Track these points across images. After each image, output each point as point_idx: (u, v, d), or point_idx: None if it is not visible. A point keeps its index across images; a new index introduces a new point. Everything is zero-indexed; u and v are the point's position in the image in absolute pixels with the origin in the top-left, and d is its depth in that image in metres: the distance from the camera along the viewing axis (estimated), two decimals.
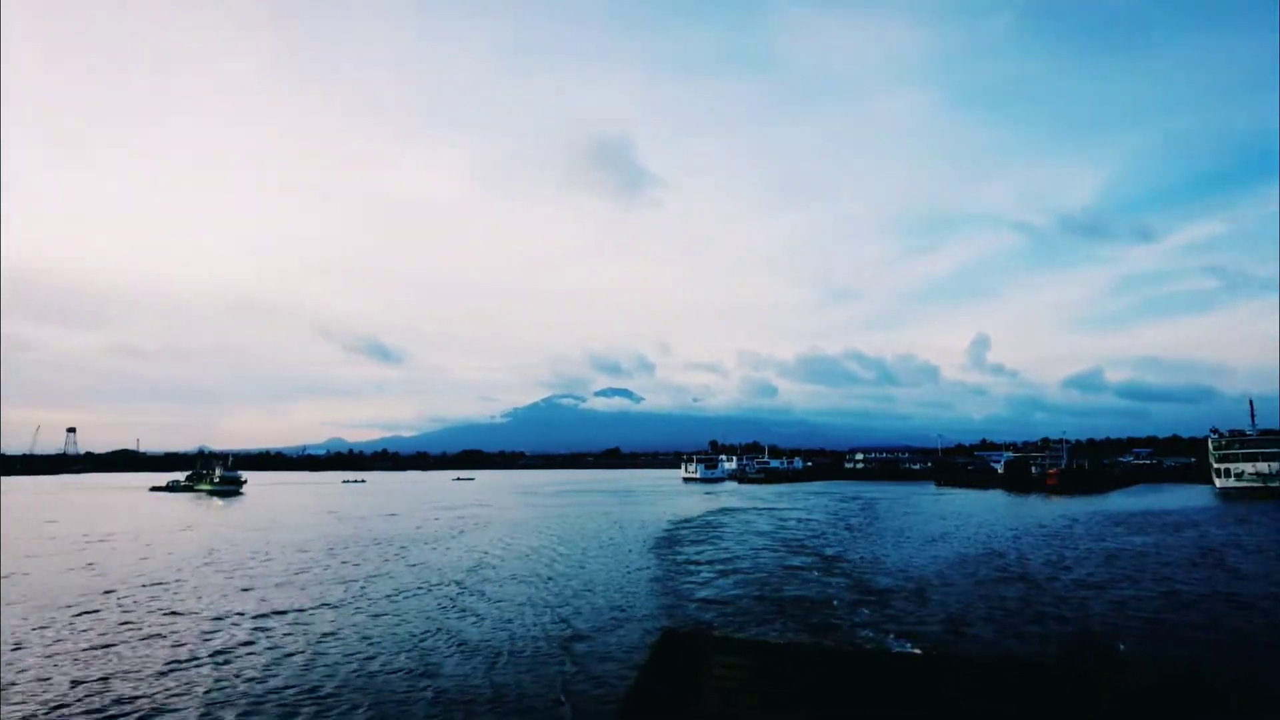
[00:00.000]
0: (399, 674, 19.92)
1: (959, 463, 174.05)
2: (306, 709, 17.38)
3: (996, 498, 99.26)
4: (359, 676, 19.76)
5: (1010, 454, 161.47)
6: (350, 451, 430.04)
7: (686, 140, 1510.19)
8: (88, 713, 17.11)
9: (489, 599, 30.17)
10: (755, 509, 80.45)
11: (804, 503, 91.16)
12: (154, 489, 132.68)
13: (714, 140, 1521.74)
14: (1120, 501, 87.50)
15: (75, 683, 19.29)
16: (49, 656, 21.92)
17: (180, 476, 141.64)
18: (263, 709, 17.37)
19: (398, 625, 25.69)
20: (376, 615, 27.31)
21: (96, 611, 28.29)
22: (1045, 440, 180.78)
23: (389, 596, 30.95)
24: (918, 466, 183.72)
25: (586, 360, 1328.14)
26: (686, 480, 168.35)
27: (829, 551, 44.65)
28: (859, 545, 47.93)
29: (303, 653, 22.09)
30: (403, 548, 48.33)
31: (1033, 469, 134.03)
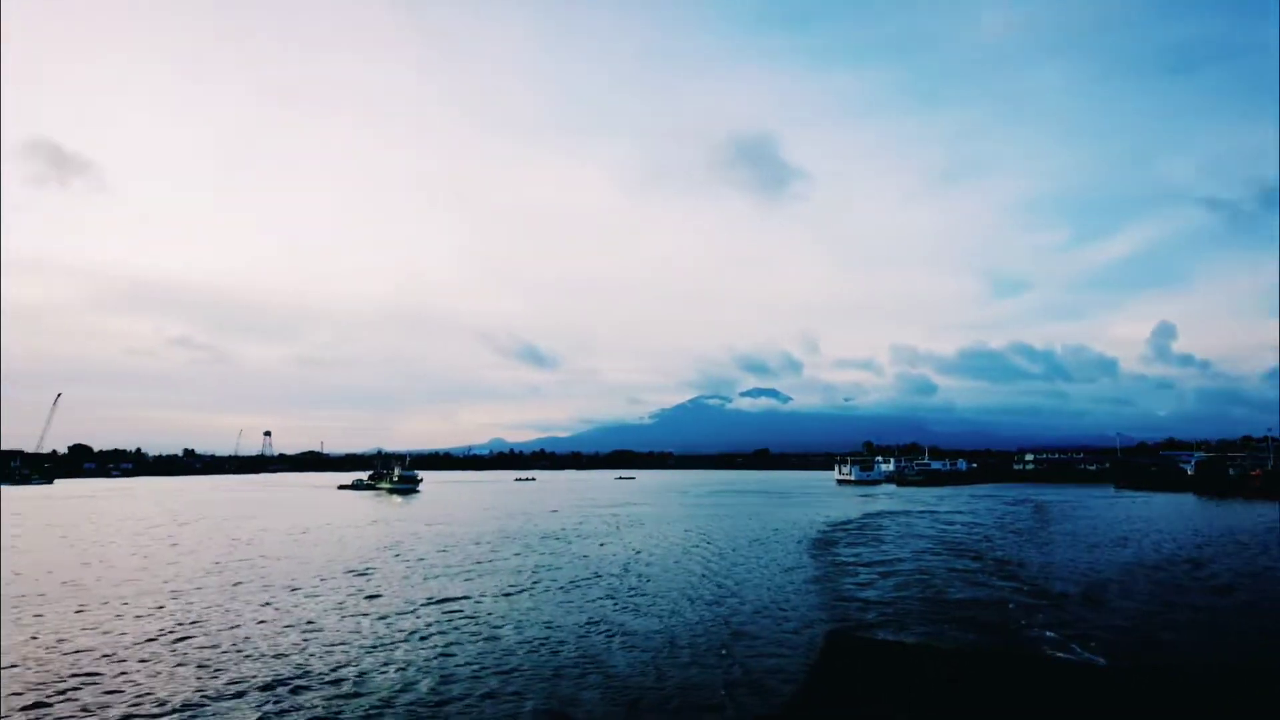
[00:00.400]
0: (569, 660, 21.29)
1: (1141, 463, 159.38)
2: (491, 682, 19.05)
3: (1186, 502, 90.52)
4: (534, 660, 21.31)
5: (1202, 454, 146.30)
6: (511, 451, 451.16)
7: (832, 132, 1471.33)
8: (300, 679, 19.56)
9: (650, 593, 31.30)
10: (915, 512, 77.67)
11: (969, 506, 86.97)
12: (341, 487, 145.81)
13: (861, 131, 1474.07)
14: None
15: (280, 654, 22.04)
16: (275, 634, 25.05)
17: (363, 476, 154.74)
18: (452, 682, 19.18)
19: (567, 614, 27.29)
20: (547, 604, 29.10)
21: (315, 594, 31.88)
22: (1247, 439, 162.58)
23: (560, 587, 32.82)
24: (1094, 468, 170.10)
25: (732, 360, 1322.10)
26: (840, 482, 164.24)
27: (997, 555, 42.71)
28: (1029, 549, 45.49)
29: (484, 636, 24.04)
30: (568, 542, 50.86)
31: (1230, 471, 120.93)
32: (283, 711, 17.12)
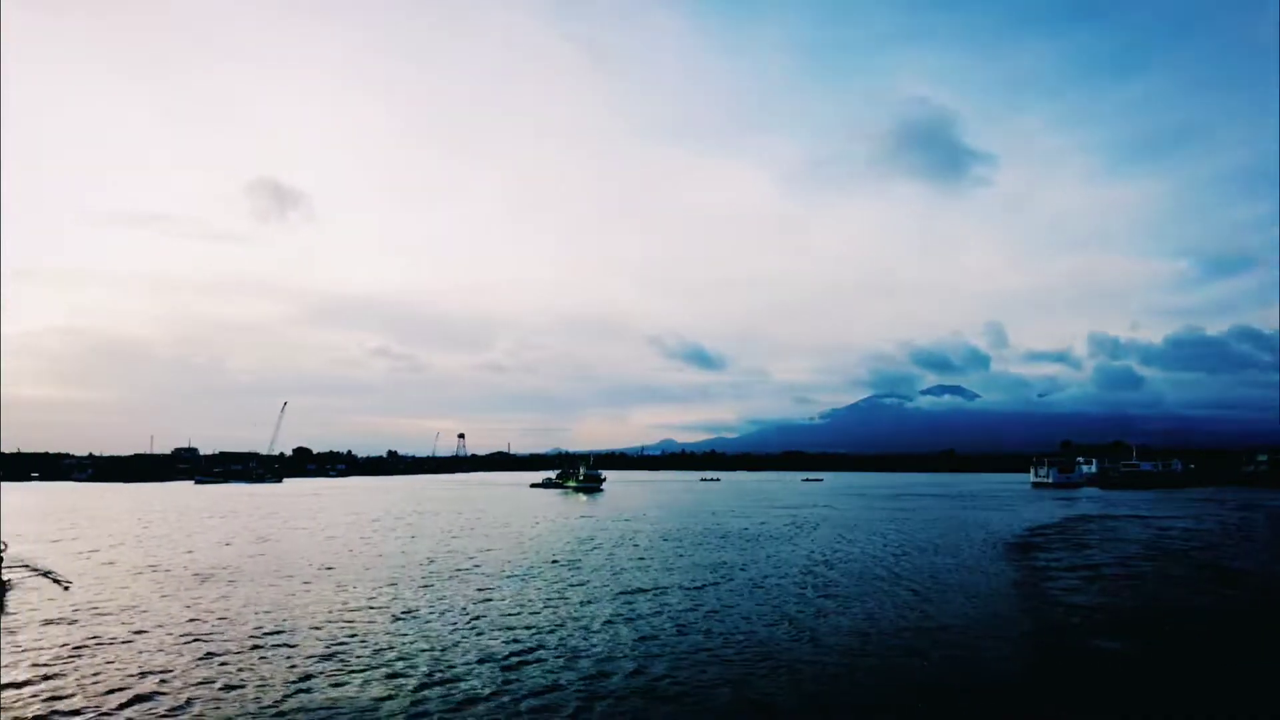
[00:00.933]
0: (764, 651, 22.42)
1: None
2: (685, 668, 20.56)
3: None
4: (726, 652, 22.62)
5: None
6: (682, 452, 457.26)
7: (1014, 110, 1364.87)
8: (523, 654, 22.01)
9: (840, 595, 31.75)
10: (1123, 516, 71.88)
11: (1186, 510, 79.19)
12: (532, 485, 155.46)
13: (1047, 105, 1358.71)
14: None
15: (506, 628, 24.71)
16: (501, 615, 28.04)
17: (551, 475, 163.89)
18: (681, 664, 20.90)
19: (759, 606, 28.48)
20: (739, 600, 30.37)
21: (528, 580, 35.14)
22: None
23: (750, 584, 34.04)
24: None
25: (909, 357, 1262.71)
26: (1036, 485, 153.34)
27: (1227, 564, 39.30)
28: (1264, 557, 41.41)
29: (677, 626, 25.71)
30: (754, 539, 52.22)
31: None
32: (508, 681, 19.54)
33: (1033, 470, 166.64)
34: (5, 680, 19.07)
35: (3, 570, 29.86)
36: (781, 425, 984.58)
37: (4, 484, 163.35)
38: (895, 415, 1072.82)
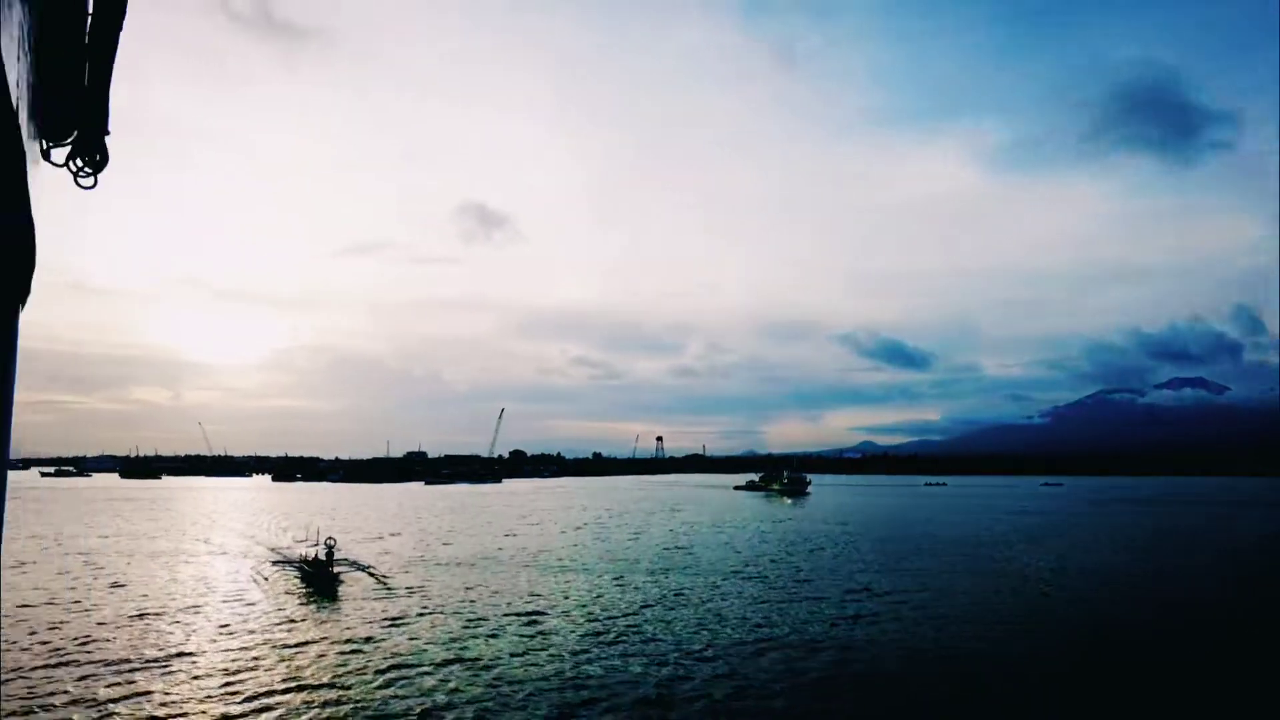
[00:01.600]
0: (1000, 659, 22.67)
1: None
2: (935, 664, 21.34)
3: None
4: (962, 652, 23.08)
5: None
6: (885, 454, 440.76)
7: (1254, 57, 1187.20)
8: (766, 641, 23.72)
9: (1128, 608, 30.81)
10: None
11: None
12: (736, 488, 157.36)
13: None
14: None
15: (748, 619, 26.55)
16: (744, 606, 30.11)
17: (754, 477, 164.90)
18: (914, 665, 21.87)
19: (987, 614, 28.45)
20: (967, 608, 30.42)
21: (756, 579, 37.10)
22: None
23: (970, 597, 33.78)
24: None
25: (1140, 348, 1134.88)
26: None
27: None
28: None
29: (930, 624, 26.38)
30: (976, 546, 50.93)
31: None
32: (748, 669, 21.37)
33: None
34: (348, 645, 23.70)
35: (334, 565, 34.60)
36: (995, 425, 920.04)
37: (278, 483, 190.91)
38: (1127, 412, 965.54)
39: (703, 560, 43.31)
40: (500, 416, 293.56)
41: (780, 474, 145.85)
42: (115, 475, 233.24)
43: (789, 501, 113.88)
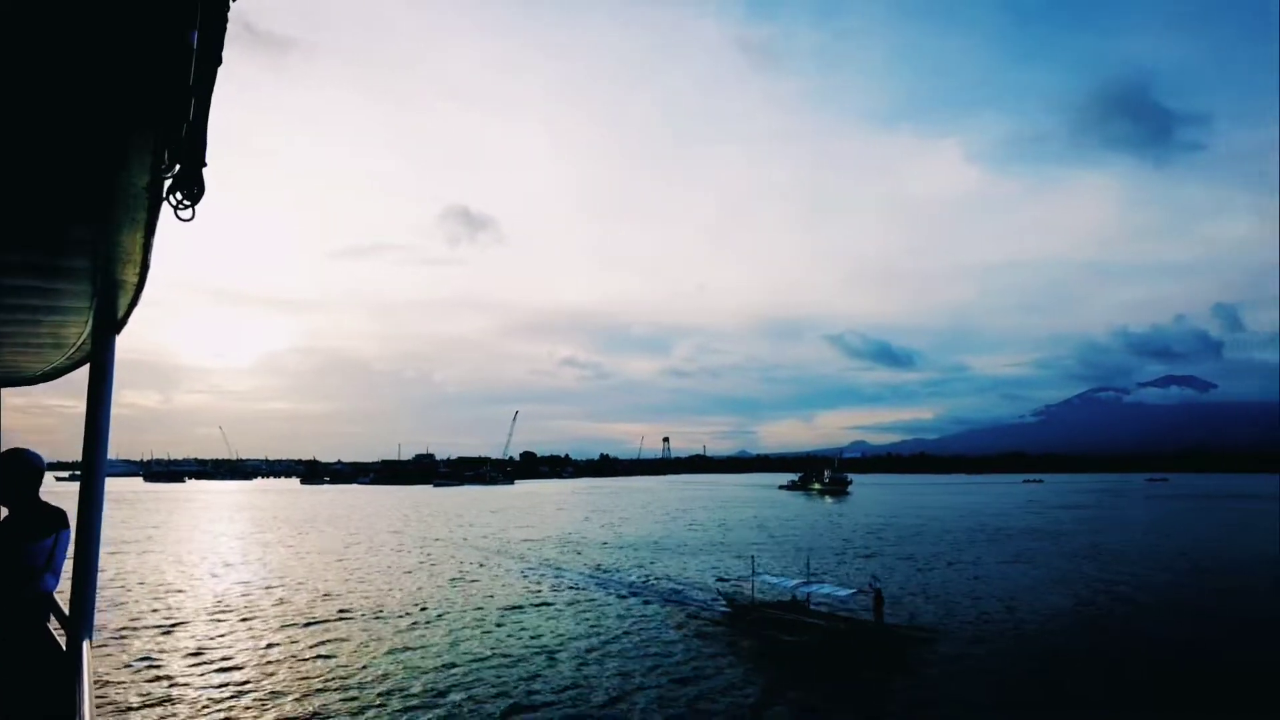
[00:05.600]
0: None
1: None
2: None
3: None
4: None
5: None
6: (889, 454, 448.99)
7: (1229, 60, 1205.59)
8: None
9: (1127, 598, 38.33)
10: None
11: None
12: (780, 487, 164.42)
13: (1269, 50, 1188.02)
14: None
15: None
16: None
17: (794, 478, 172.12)
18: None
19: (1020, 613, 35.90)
20: (991, 601, 37.55)
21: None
22: None
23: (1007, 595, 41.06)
24: None
25: (1124, 345, 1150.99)
26: None
27: None
28: None
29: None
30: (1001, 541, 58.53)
31: None
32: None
33: None
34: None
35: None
36: (989, 424, 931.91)
37: (308, 485, 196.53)
38: (1114, 410, 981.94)
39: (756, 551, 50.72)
40: (514, 419, 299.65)
41: (821, 474, 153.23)
42: (137, 479, 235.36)
43: (830, 500, 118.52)
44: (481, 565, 42.36)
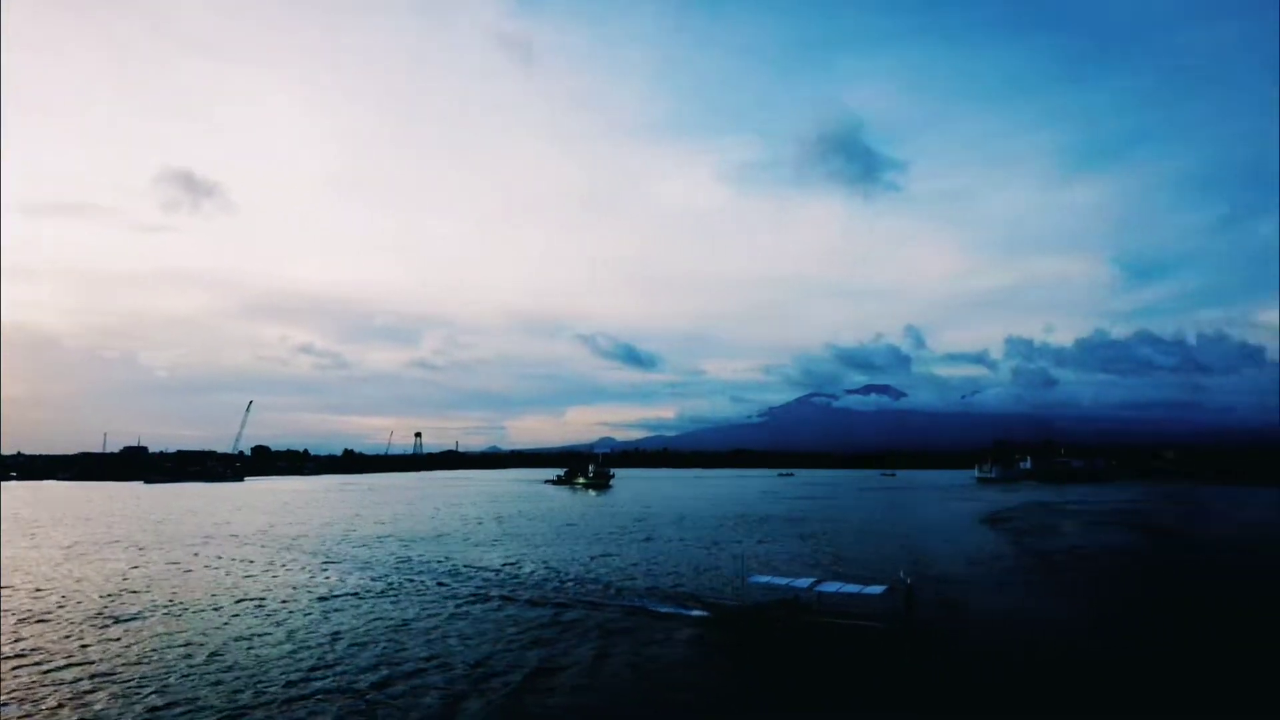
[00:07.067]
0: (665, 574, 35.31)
1: None
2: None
3: None
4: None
5: None
6: (637, 449, 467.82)
7: (934, 115, 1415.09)
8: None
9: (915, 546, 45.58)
10: (1065, 502, 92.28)
11: (1115, 496, 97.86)
12: (545, 481, 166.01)
13: (984, 112, 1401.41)
14: None
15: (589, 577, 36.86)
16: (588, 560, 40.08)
17: (560, 473, 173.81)
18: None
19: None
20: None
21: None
22: None
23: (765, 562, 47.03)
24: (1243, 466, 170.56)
25: (836, 357, 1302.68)
26: (981, 481, 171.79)
27: (1167, 526, 57.07)
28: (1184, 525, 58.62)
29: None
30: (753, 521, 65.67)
31: None
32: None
33: (978, 467, 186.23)
34: None
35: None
36: (722, 424, 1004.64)
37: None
38: (826, 413, 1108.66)
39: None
40: (249, 409, 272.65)
41: (586, 468, 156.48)
42: None
43: (594, 494, 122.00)
44: (269, 567, 38.90)
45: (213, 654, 23.17)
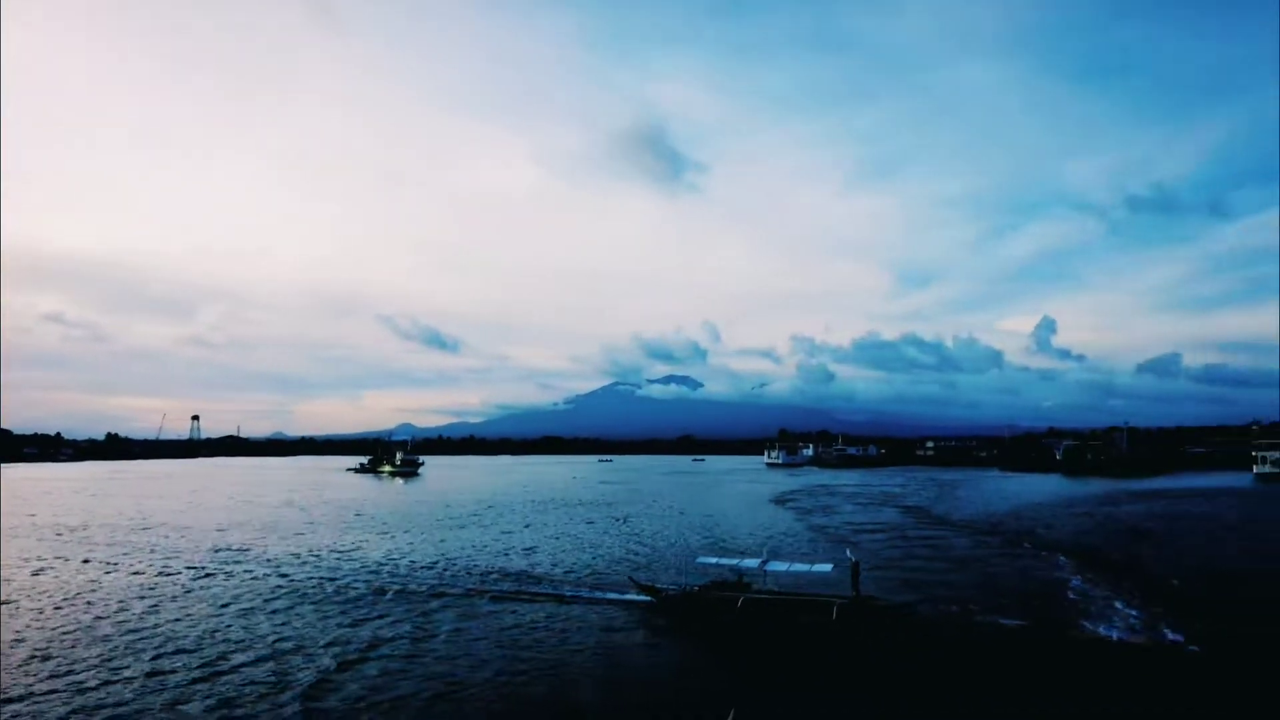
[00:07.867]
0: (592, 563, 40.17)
1: (1023, 449, 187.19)
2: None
3: (1052, 480, 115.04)
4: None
5: (1070, 442, 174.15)
6: (440, 437, 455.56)
7: (743, 124, 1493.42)
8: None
9: (705, 525, 51.31)
10: (843, 484, 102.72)
11: (885, 481, 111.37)
12: (348, 470, 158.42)
13: (780, 124, 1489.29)
14: (1159, 483, 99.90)
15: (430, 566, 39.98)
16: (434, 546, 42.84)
17: (364, 460, 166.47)
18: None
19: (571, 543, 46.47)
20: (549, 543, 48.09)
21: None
22: (1112, 429, 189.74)
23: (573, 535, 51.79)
24: (984, 454, 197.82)
25: (639, 348, 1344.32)
26: (770, 465, 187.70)
27: (926, 508, 65.29)
28: (939, 505, 68.33)
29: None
30: (576, 505, 70.19)
31: (1088, 455, 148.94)
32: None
33: (766, 453, 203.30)
34: None
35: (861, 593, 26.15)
36: (527, 411, 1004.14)
37: None
38: (629, 402, 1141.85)
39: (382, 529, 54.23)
40: None
41: (394, 456, 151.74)
42: None
43: (401, 483, 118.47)
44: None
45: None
